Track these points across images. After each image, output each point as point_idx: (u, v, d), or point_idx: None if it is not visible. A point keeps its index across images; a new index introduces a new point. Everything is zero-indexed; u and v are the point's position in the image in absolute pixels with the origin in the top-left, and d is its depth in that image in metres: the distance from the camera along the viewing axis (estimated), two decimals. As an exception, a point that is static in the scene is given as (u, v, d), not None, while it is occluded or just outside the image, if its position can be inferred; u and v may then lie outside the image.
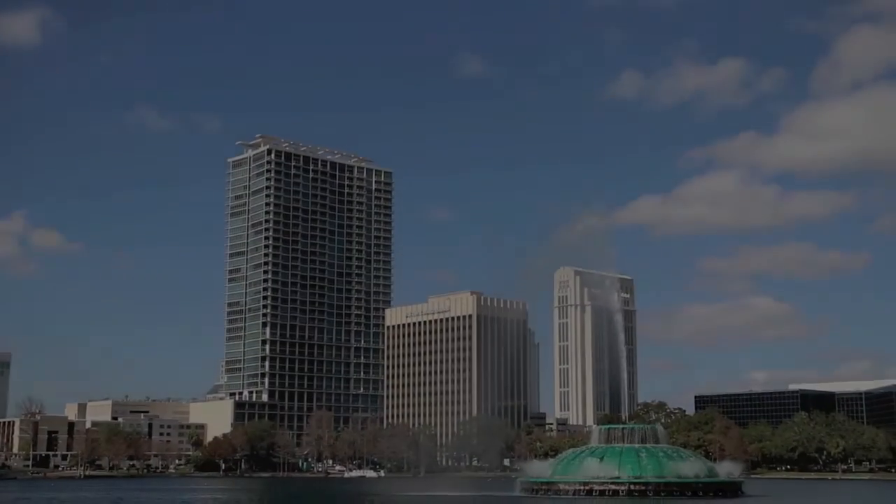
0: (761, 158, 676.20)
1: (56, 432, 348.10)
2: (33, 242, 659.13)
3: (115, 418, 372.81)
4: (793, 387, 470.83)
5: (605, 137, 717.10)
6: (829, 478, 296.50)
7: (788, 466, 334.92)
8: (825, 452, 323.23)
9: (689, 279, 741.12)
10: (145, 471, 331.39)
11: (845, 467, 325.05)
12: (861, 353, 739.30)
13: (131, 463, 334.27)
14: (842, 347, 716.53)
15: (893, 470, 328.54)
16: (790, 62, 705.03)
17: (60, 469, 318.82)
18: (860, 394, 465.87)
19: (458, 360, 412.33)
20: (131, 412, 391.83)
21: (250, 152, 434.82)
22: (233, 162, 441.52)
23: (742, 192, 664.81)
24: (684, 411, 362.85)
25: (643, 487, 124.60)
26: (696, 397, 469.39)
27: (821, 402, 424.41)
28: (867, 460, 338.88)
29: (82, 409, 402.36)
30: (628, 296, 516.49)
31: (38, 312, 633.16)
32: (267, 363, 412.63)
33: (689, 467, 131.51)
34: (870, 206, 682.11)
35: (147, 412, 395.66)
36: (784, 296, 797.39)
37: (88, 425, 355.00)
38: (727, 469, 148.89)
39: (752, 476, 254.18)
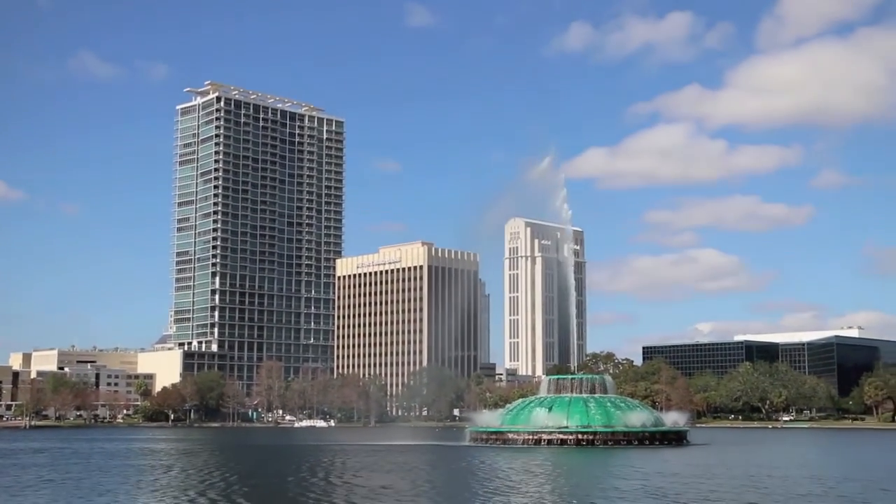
0: (707, 112, 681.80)
1: (0, 382, 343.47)
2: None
3: (61, 368, 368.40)
4: (738, 338, 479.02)
5: (552, 90, 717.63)
6: (770, 426, 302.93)
7: (733, 416, 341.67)
8: (768, 402, 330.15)
9: (635, 231, 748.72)
10: (92, 421, 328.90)
11: (787, 416, 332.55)
12: (804, 305, 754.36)
13: (78, 413, 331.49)
14: (785, 299, 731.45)
15: (832, 418, 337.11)
16: (736, 17, 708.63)
17: (5, 419, 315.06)
18: (803, 344, 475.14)
19: (409, 310, 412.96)
20: (78, 362, 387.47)
21: (199, 100, 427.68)
22: (181, 109, 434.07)
23: (688, 145, 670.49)
24: (632, 362, 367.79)
25: (591, 437, 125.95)
26: (643, 348, 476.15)
27: (765, 353, 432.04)
28: (808, 409, 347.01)
29: (27, 358, 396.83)
30: (578, 247, 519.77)
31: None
32: (216, 313, 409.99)
33: (636, 417, 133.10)
34: (813, 160, 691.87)
35: (94, 362, 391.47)
36: (729, 248, 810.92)
37: (34, 375, 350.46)
38: (673, 418, 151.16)
39: (698, 425, 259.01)
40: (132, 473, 78.71)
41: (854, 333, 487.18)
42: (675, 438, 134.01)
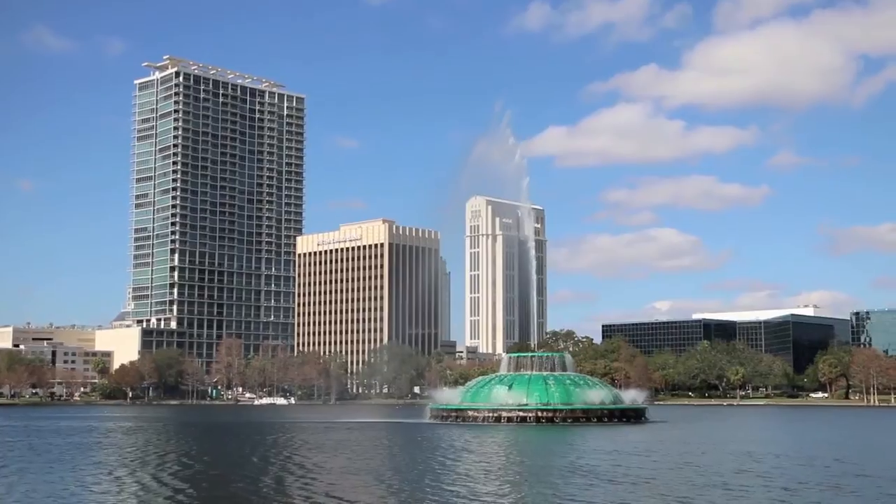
0: (665, 93, 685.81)
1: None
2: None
3: (16, 345, 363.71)
4: (696, 316, 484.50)
5: (512, 69, 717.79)
6: (726, 404, 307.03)
7: (691, 393, 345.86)
8: (725, 379, 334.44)
9: (594, 210, 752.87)
10: (49, 399, 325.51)
11: (743, 393, 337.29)
12: (760, 284, 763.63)
13: (34, 391, 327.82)
14: (742, 278, 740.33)
15: (788, 395, 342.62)
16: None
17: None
18: (759, 323, 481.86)
19: (370, 288, 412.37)
20: (34, 339, 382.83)
21: (157, 74, 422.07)
22: (139, 84, 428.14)
23: (646, 125, 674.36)
24: (592, 340, 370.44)
25: (551, 414, 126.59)
26: (603, 326, 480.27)
27: (722, 331, 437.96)
28: (764, 386, 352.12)
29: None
30: (538, 226, 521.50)
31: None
32: (175, 290, 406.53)
33: (596, 394, 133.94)
34: (769, 141, 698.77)
35: (50, 339, 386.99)
36: (686, 227, 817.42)
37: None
38: (632, 396, 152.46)
39: (656, 403, 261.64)
40: (66, 451, 77.16)
41: (809, 312, 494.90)
42: (633, 416, 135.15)
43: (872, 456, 74.06)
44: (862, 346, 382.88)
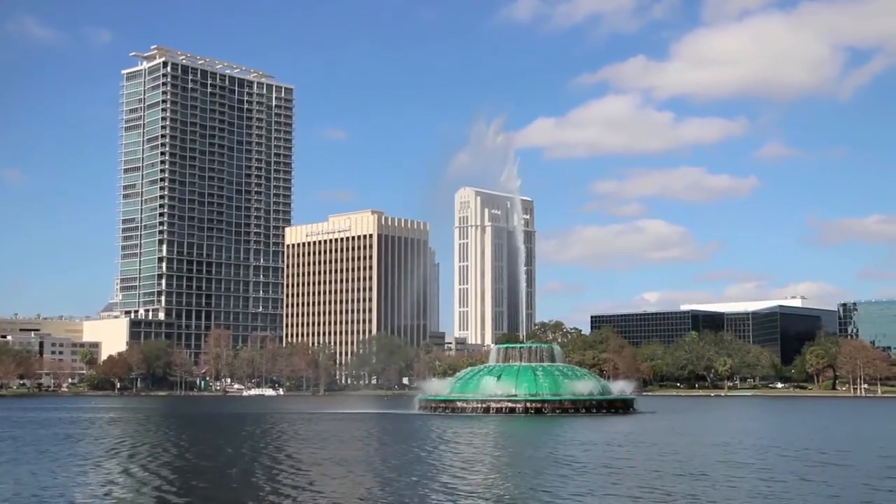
0: (654, 84, 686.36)
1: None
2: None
3: (3, 336, 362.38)
4: (684, 307, 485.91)
5: (500, 60, 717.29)
6: (714, 395, 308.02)
7: (679, 384, 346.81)
8: (713, 370, 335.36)
9: (582, 202, 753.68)
10: (36, 390, 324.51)
11: (731, 384, 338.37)
12: (748, 275, 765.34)
13: (21, 382, 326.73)
14: (730, 269, 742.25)
15: (774, 386, 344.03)
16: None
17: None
18: (747, 314, 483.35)
19: (359, 279, 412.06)
20: (21, 330, 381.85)
21: (145, 65, 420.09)
22: (127, 74, 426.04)
23: (635, 116, 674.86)
24: (580, 331, 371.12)
25: (539, 405, 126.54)
26: (591, 317, 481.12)
27: (711, 322, 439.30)
28: (752, 377, 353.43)
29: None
30: (527, 217, 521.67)
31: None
32: (164, 281, 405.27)
33: (584, 385, 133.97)
34: (757, 132, 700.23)
35: (38, 330, 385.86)
36: (675, 219, 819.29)
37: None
38: (620, 387, 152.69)
39: (644, 393, 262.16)
40: (45, 442, 76.53)
41: (797, 303, 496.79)
42: (622, 406, 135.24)
43: (854, 446, 74.20)
44: (849, 337, 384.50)
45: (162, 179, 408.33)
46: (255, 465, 56.51)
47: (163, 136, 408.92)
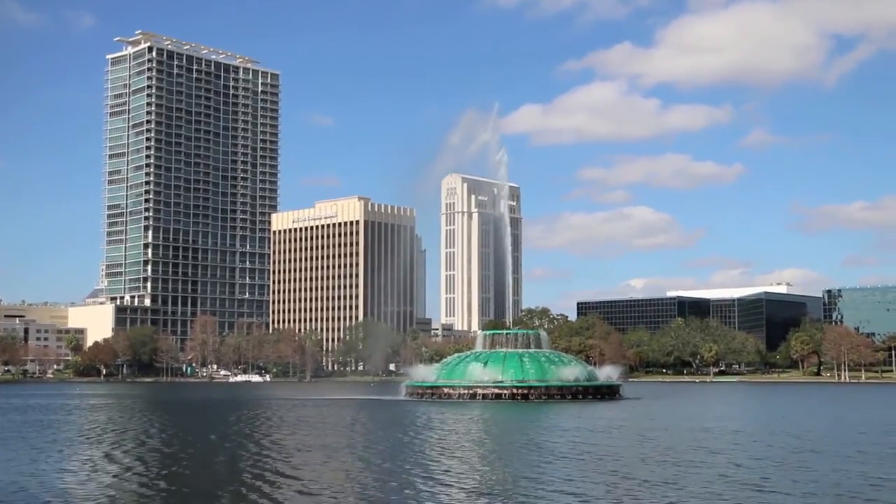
0: (640, 71, 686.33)
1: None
2: None
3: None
4: (670, 294, 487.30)
5: (486, 46, 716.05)
6: (699, 381, 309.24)
7: (665, 370, 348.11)
8: (699, 356, 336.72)
9: (569, 188, 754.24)
10: (21, 376, 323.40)
11: (717, 370, 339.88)
12: (733, 262, 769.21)
13: (6, 368, 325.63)
14: (715, 256, 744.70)
15: (760, 372, 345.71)
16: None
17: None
18: (733, 300, 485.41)
19: (345, 265, 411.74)
20: (6, 317, 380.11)
21: (130, 50, 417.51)
22: (111, 59, 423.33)
23: (621, 103, 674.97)
24: (567, 317, 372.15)
25: (525, 391, 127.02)
26: (578, 304, 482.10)
27: (696, 309, 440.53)
28: (737, 363, 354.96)
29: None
30: (514, 203, 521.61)
31: None
32: (149, 267, 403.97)
33: (570, 371, 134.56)
34: (743, 119, 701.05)
35: (23, 316, 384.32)
36: (661, 206, 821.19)
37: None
38: (606, 373, 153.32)
39: (630, 380, 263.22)
40: (24, 428, 76.27)
41: (782, 290, 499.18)
42: (608, 393, 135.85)
43: (833, 432, 74.59)
44: (834, 323, 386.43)
45: (147, 165, 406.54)
46: (240, 451, 56.41)
47: (148, 121, 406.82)
